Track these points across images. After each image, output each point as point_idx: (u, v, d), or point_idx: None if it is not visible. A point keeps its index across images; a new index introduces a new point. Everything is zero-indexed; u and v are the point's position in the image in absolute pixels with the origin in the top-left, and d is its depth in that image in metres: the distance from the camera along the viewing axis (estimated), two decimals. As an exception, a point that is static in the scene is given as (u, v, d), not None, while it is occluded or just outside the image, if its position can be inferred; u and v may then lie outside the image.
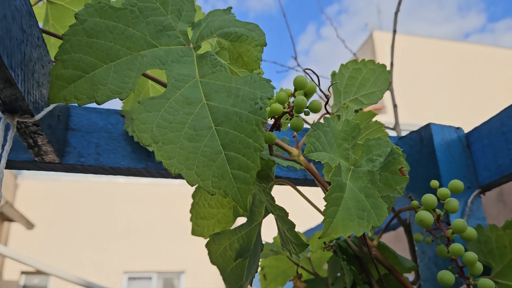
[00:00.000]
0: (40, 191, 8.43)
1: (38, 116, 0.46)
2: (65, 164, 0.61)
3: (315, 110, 0.49)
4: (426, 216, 0.49)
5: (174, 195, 8.97)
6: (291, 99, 0.49)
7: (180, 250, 8.58)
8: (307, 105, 0.48)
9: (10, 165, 0.60)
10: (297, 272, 0.71)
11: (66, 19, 0.66)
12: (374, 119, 0.61)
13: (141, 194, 9.00)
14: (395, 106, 1.10)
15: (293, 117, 0.49)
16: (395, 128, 1.08)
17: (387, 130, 0.69)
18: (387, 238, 1.78)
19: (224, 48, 0.51)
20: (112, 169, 0.63)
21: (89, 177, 9.00)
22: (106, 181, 8.99)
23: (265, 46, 0.51)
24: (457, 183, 0.54)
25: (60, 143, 0.59)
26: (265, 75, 0.55)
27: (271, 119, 0.49)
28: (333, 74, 0.67)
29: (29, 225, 6.62)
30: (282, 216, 0.47)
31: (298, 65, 1.45)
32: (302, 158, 0.52)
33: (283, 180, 0.57)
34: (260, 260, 0.66)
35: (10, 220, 6.27)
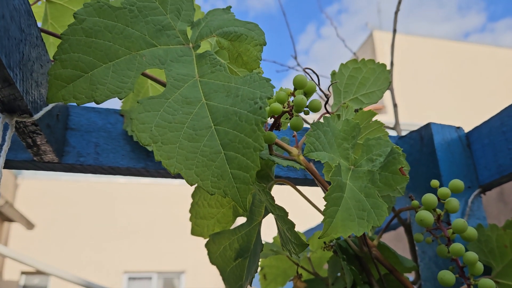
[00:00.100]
0: (40, 191, 8.43)
1: (36, 116, 0.46)
2: (64, 163, 0.61)
3: (315, 109, 0.48)
4: (426, 216, 0.49)
5: (174, 195, 8.97)
6: (291, 99, 0.49)
7: (180, 250, 8.58)
8: (307, 104, 0.48)
9: (9, 164, 0.60)
10: (297, 272, 0.71)
11: (65, 18, 0.65)
12: (374, 119, 0.61)
13: (141, 194, 9.00)
14: (395, 105, 1.10)
15: (292, 116, 0.49)
16: (395, 127, 1.08)
17: (387, 130, 0.69)
18: (387, 238, 1.78)
19: (224, 48, 0.51)
20: (111, 169, 0.63)
21: (89, 177, 9.00)
22: (106, 181, 8.99)
23: (265, 45, 0.51)
24: (458, 183, 0.53)
25: (59, 142, 0.59)
26: (264, 74, 0.55)
27: (270, 118, 0.49)
28: (333, 74, 0.67)
29: (29, 225, 6.62)
30: (282, 215, 0.47)
31: (298, 64, 1.44)
32: (302, 157, 0.51)
33: (283, 179, 0.57)
34: (260, 260, 0.66)
35: (10, 220, 6.27)
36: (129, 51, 0.46)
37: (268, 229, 1.12)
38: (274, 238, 0.78)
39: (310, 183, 0.71)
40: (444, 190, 0.52)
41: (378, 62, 0.67)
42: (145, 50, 0.47)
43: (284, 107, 0.48)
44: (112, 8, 0.46)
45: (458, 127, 0.73)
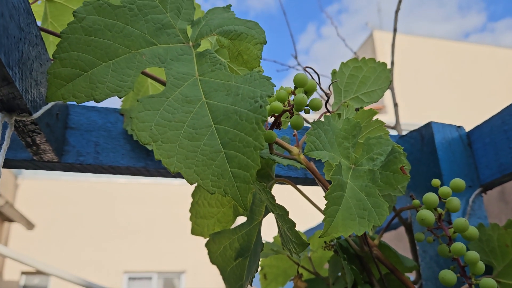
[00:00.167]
0: (40, 191, 8.43)
1: (36, 115, 0.46)
2: (64, 163, 0.60)
3: (316, 108, 0.48)
4: (427, 215, 0.49)
5: (174, 195, 8.97)
6: (291, 97, 0.49)
7: (181, 250, 8.58)
8: (308, 103, 0.48)
9: (8, 164, 0.60)
10: (298, 272, 0.71)
11: (65, 17, 0.65)
12: (374, 118, 0.61)
13: (141, 194, 9.00)
14: (395, 105, 1.10)
15: (293, 115, 0.48)
16: (395, 127, 1.07)
17: (388, 129, 0.69)
18: (388, 238, 1.77)
19: (224, 46, 0.51)
20: (111, 168, 0.63)
21: (89, 177, 9.00)
22: (106, 181, 8.99)
23: (265, 44, 0.51)
24: (459, 182, 0.53)
25: (59, 141, 0.59)
26: (265, 74, 0.55)
27: (271, 117, 0.49)
28: (334, 73, 0.67)
29: (29, 225, 6.62)
30: (282, 215, 0.47)
31: (299, 64, 1.44)
32: (302, 156, 0.51)
33: (283, 179, 0.57)
34: (261, 259, 0.66)
35: (10, 220, 6.27)
36: (129, 49, 0.46)
37: (269, 229, 1.12)
38: (274, 237, 0.78)
39: (311, 182, 0.71)
40: (445, 189, 0.52)
41: (379, 61, 0.66)
42: (145, 48, 0.46)
43: (284, 106, 0.48)
44: (112, 7, 0.46)
45: (459, 126, 0.73)
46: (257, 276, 0.89)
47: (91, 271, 7.89)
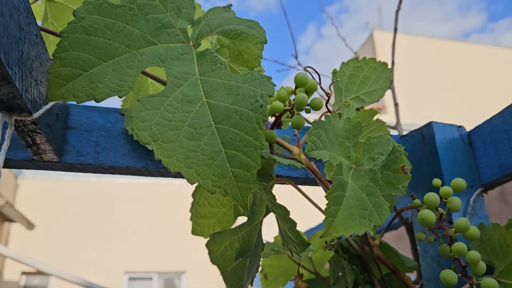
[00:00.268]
0: (40, 191, 8.43)
1: (36, 115, 0.45)
2: (64, 163, 0.60)
3: (316, 107, 0.48)
4: (428, 215, 0.49)
5: (175, 195, 8.97)
6: (292, 97, 0.49)
7: (181, 250, 8.57)
8: (308, 102, 0.48)
9: (8, 164, 0.60)
10: (298, 272, 0.70)
11: (65, 17, 0.65)
12: (375, 118, 0.61)
13: (141, 194, 9.00)
14: (396, 104, 1.10)
15: (294, 115, 0.48)
16: (396, 127, 1.07)
17: (388, 129, 0.69)
18: (388, 238, 1.77)
19: (224, 46, 0.51)
20: (111, 168, 0.63)
21: (89, 177, 9.00)
22: (106, 181, 8.99)
23: (266, 43, 0.51)
24: (460, 182, 0.53)
25: (59, 141, 0.59)
26: (265, 73, 0.55)
27: (271, 117, 0.48)
28: (334, 72, 0.67)
29: (30, 225, 6.62)
30: (283, 215, 0.47)
31: (299, 64, 1.44)
32: (303, 156, 0.51)
33: (284, 179, 0.57)
34: (261, 259, 0.66)
35: (10, 220, 6.27)
36: (129, 49, 0.46)
37: (269, 229, 1.12)
38: (275, 237, 0.78)
39: (311, 182, 0.71)
40: (446, 189, 0.52)
41: (380, 61, 0.66)
42: (145, 48, 0.46)
43: (285, 106, 0.48)
44: (112, 6, 0.46)
45: (460, 126, 0.73)
46: (258, 276, 0.89)
47: (91, 271, 7.89)
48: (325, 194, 0.46)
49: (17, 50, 0.40)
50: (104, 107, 0.65)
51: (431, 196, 0.50)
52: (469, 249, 0.50)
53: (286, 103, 0.48)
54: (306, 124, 0.68)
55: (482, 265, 0.48)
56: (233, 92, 0.44)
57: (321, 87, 0.57)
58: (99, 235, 8.39)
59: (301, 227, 0.76)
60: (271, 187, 0.56)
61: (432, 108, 10.64)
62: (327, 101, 0.58)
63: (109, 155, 0.62)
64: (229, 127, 0.42)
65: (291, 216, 0.47)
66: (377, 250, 0.58)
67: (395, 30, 1.12)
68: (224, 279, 0.60)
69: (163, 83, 0.49)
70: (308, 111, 0.48)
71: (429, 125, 0.72)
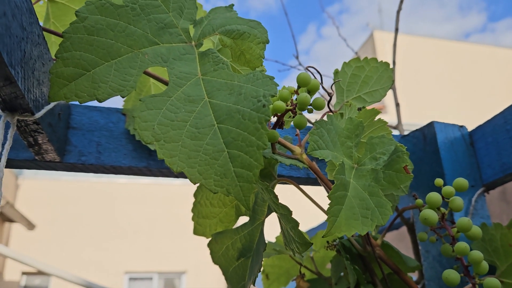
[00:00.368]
0: (40, 191, 8.44)
1: (38, 114, 0.45)
2: (66, 163, 0.60)
3: (319, 107, 0.48)
4: (430, 214, 0.49)
5: (175, 195, 8.97)
6: (294, 97, 0.49)
7: (181, 250, 8.57)
8: (310, 102, 0.48)
9: (10, 164, 0.60)
10: (300, 272, 0.70)
11: (67, 17, 0.65)
12: (377, 118, 0.61)
13: (141, 194, 9.00)
14: (397, 104, 1.10)
15: (296, 114, 0.48)
16: (397, 127, 1.07)
17: (390, 129, 0.69)
18: (389, 238, 1.77)
19: (226, 46, 0.51)
20: (113, 168, 0.63)
21: (89, 177, 9.00)
22: (106, 181, 8.99)
23: (268, 43, 0.51)
24: (462, 181, 0.53)
25: (61, 141, 0.59)
26: (266, 73, 0.55)
27: (273, 117, 0.48)
28: (336, 72, 0.67)
29: (30, 225, 6.62)
30: (285, 214, 0.47)
31: (300, 64, 1.44)
32: (305, 156, 0.51)
33: (285, 178, 0.57)
34: (263, 259, 0.66)
35: (11, 220, 6.27)
36: (131, 49, 0.46)
37: (271, 229, 1.12)
38: (276, 237, 0.78)
39: (313, 182, 0.71)
40: (448, 189, 0.52)
41: (381, 61, 0.66)
42: (147, 48, 0.46)
43: (287, 105, 0.48)
44: (114, 6, 0.46)
45: (461, 126, 0.73)
46: (259, 276, 0.89)
47: (91, 271, 7.89)
48: (326, 194, 0.46)
49: (20, 50, 0.40)
50: (106, 107, 0.65)
51: (433, 196, 0.50)
52: (471, 249, 0.50)
53: (288, 103, 0.48)
54: (307, 125, 0.68)
55: (485, 265, 0.48)
56: (235, 92, 0.44)
57: (323, 87, 0.57)
58: (99, 235, 8.39)
59: (303, 227, 0.76)
60: (273, 187, 0.56)
61: (432, 108, 10.64)
62: (329, 101, 0.58)
63: (111, 155, 0.62)
64: (231, 126, 0.42)
65: (293, 216, 0.47)
66: (379, 250, 0.58)
67: (396, 30, 1.12)
68: (226, 279, 0.60)
69: (165, 83, 0.49)
70: (310, 111, 0.48)
71: (431, 125, 0.72)
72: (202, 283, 8.57)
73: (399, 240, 1.64)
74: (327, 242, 0.62)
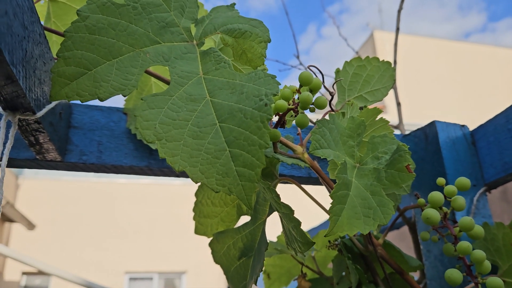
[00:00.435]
0: (41, 191, 8.43)
1: (39, 114, 0.45)
2: (67, 162, 0.60)
3: (321, 106, 0.48)
4: (433, 214, 0.48)
5: (175, 195, 8.97)
6: (296, 96, 0.49)
7: (182, 250, 8.57)
8: (313, 101, 0.48)
9: (11, 163, 0.60)
10: (302, 271, 0.70)
11: (68, 16, 0.65)
12: (378, 117, 0.61)
13: (142, 194, 9.00)
14: (398, 104, 1.10)
15: (298, 114, 0.48)
16: (398, 126, 1.07)
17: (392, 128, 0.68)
18: (390, 237, 1.77)
19: (228, 45, 0.50)
20: (114, 167, 0.63)
21: (90, 177, 9.00)
22: (107, 181, 8.99)
23: (269, 42, 0.51)
24: (464, 181, 0.53)
25: (62, 141, 0.59)
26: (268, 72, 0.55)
27: (275, 116, 0.48)
28: (337, 71, 0.66)
29: (30, 225, 6.62)
30: (287, 214, 0.47)
31: (301, 63, 1.44)
32: (306, 155, 0.51)
33: (287, 178, 0.57)
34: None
35: (11, 220, 6.27)
36: (132, 48, 0.45)
37: (272, 228, 1.12)
38: (278, 237, 0.77)
39: (314, 181, 0.71)
40: (450, 188, 0.52)
41: (383, 60, 0.66)
42: (149, 47, 0.46)
43: (289, 104, 0.48)
44: (115, 5, 0.46)
45: (463, 125, 0.73)
46: (261, 276, 0.88)
47: (92, 271, 7.89)
48: (328, 193, 0.46)
49: (21, 49, 0.40)
50: (107, 106, 0.65)
51: (436, 195, 0.50)
52: (473, 249, 0.49)
53: (290, 102, 0.48)
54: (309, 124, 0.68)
55: (487, 264, 0.48)
56: (237, 91, 0.43)
57: (325, 86, 0.57)
58: (99, 235, 8.39)
59: (304, 226, 0.75)
60: (275, 186, 0.56)
61: (432, 108, 10.63)
62: (330, 100, 0.58)
63: (112, 154, 0.62)
64: (233, 126, 0.42)
65: (295, 215, 0.46)
66: (380, 250, 0.58)
67: (397, 29, 1.12)
68: (228, 278, 0.60)
69: (167, 82, 0.49)
70: (312, 110, 0.48)
71: (432, 124, 0.71)
72: (203, 283, 8.57)
73: (400, 240, 1.63)
74: (329, 241, 0.62)
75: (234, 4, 0.54)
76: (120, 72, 0.44)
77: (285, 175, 0.68)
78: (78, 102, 0.44)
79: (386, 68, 0.65)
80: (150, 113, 0.42)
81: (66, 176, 8.74)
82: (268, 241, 0.57)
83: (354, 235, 0.60)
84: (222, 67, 0.46)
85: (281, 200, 0.46)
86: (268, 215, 0.56)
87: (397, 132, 1.43)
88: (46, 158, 0.58)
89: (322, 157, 0.47)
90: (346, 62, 0.67)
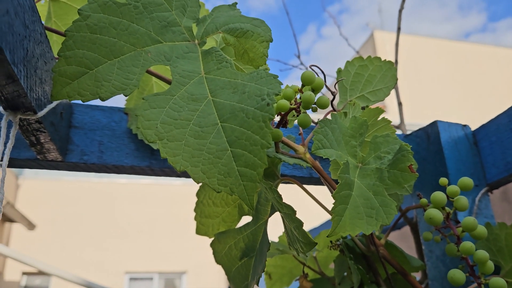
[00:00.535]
0: (41, 191, 8.43)
1: (40, 113, 0.45)
2: (68, 162, 0.60)
3: (323, 105, 0.48)
4: (435, 214, 0.48)
5: (176, 195, 8.96)
6: (298, 96, 0.48)
7: (182, 250, 8.57)
8: (315, 101, 0.47)
9: (12, 163, 0.59)
10: (303, 272, 0.70)
11: (69, 16, 0.65)
12: (380, 117, 0.61)
13: (142, 194, 8.99)
14: (400, 104, 1.10)
15: (300, 113, 0.48)
16: (400, 126, 1.07)
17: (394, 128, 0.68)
18: (392, 238, 1.77)
19: (230, 44, 0.50)
20: (115, 167, 0.63)
21: (90, 177, 9.00)
22: (107, 181, 8.98)
23: (271, 42, 0.50)
24: (467, 181, 0.53)
25: (63, 140, 0.58)
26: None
27: (277, 115, 0.48)
28: (339, 71, 0.66)
29: (30, 225, 6.62)
30: (289, 214, 0.46)
31: (301, 63, 1.44)
32: (308, 155, 0.51)
33: (288, 178, 0.57)
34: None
35: (11, 220, 6.27)
36: (134, 47, 0.45)
37: (274, 228, 1.12)
38: (280, 237, 0.77)
39: (316, 181, 0.71)
40: (453, 188, 0.52)
41: (385, 60, 0.66)
42: (150, 46, 0.46)
43: (291, 104, 0.47)
44: (117, 4, 0.45)
45: (465, 125, 0.73)
46: (262, 276, 0.88)
47: (92, 272, 7.89)
48: (330, 193, 0.45)
49: (22, 48, 0.39)
50: (108, 106, 0.65)
51: (438, 195, 0.50)
52: (476, 249, 0.49)
53: (292, 101, 0.48)
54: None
55: (490, 265, 0.48)
56: (239, 91, 0.43)
57: (326, 86, 0.57)
58: (100, 235, 8.39)
59: (306, 227, 0.75)
60: (276, 186, 0.56)
61: (433, 108, 10.63)
62: (332, 100, 0.58)
63: (113, 154, 0.62)
64: (235, 125, 0.41)
65: (296, 215, 0.46)
66: (382, 250, 0.57)
67: (399, 29, 1.12)
68: (229, 279, 0.59)
69: (168, 81, 0.49)
70: (314, 110, 0.48)
71: (434, 124, 0.71)
72: (203, 283, 8.57)
73: (401, 240, 1.63)
74: (331, 241, 0.62)
75: (236, 3, 0.54)
76: (122, 71, 0.44)
77: (287, 175, 0.68)
78: (79, 101, 0.44)
79: (388, 67, 0.65)
80: (151, 113, 0.42)
81: (67, 176, 8.74)
82: (270, 242, 0.57)
83: (356, 235, 0.60)
84: (224, 67, 0.46)
85: (283, 201, 0.46)
86: (270, 215, 0.56)
87: (398, 132, 1.43)
88: (47, 158, 0.58)
89: (324, 157, 0.46)
90: (347, 61, 0.67)
